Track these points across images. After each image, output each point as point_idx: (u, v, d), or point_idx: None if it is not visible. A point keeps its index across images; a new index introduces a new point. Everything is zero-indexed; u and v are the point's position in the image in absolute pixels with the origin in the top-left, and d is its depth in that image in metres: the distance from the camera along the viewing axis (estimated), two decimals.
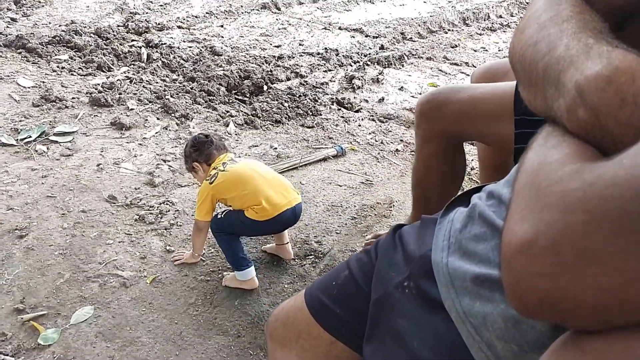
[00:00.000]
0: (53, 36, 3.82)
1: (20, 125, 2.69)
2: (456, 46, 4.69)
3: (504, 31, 5.27)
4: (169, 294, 1.77)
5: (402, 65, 4.17)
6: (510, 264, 0.44)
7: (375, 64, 4.09)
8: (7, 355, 1.49)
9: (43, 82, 3.17)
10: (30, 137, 2.57)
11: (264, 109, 3.17)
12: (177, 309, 1.71)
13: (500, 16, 5.70)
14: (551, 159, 0.46)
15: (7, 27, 4.00)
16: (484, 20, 5.51)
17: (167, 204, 2.20)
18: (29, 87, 3.09)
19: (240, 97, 3.36)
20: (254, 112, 3.14)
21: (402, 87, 3.72)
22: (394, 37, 4.71)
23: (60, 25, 4.10)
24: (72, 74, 3.34)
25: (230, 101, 3.26)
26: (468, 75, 4.08)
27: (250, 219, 1.70)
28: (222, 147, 1.86)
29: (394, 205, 2.36)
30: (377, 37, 4.71)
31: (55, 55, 3.57)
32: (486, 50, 4.67)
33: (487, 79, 1.65)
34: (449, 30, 5.16)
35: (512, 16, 5.73)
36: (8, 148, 2.49)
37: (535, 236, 0.42)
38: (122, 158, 2.50)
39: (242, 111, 3.15)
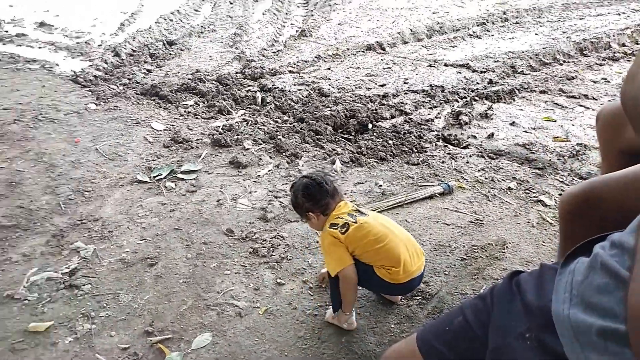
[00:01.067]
0: (181, 84, 4.28)
1: (153, 164, 3.02)
2: (573, 78, 4.41)
3: (628, 60, 4.87)
4: (279, 325, 1.84)
5: (513, 100, 4.02)
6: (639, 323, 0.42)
7: (484, 99, 3.99)
8: None
9: (172, 125, 3.55)
10: (161, 174, 2.88)
11: (369, 146, 3.23)
12: (287, 341, 1.77)
13: (624, 44, 5.28)
14: None
15: (144, 77, 4.57)
16: (604, 50, 5.14)
17: (278, 238, 2.31)
18: (160, 130, 3.47)
19: (346, 136, 3.46)
20: (359, 150, 3.21)
21: (513, 122, 3.58)
22: (503, 71, 4.57)
23: (187, 74, 4.59)
24: (196, 118, 3.70)
25: (337, 140, 3.38)
26: (588, 108, 3.81)
27: (380, 278, 1.67)
28: (335, 193, 1.74)
29: (507, 246, 2.25)
30: (485, 72, 4.61)
31: (183, 101, 3.99)
32: (608, 82, 4.34)
33: (615, 125, 1.55)
34: (564, 61, 4.88)
35: (637, 44, 5.28)
36: (143, 185, 2.81)
37: None
38: (239, 194, 2.69)
39: (347, 149, 3.24)
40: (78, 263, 2.16)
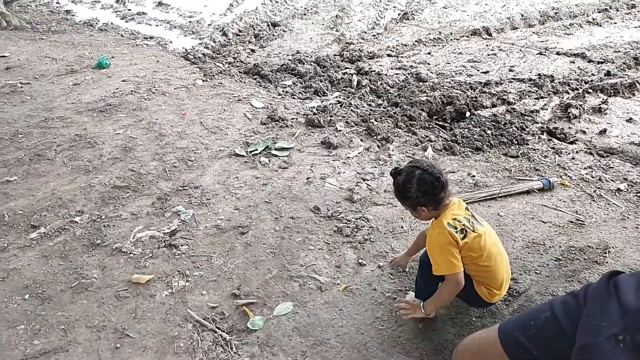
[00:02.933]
0: (281, 65, 4.42)
1: (250, 139, 3.16)
2: None
3: None
4: (357, 304, 1.86)
5: (633, 94, 3.64)
6: None
7: (599, 92, 3.65)
8: (224, 332, 1.77)
9: (270, 104, 3.68)
10: (256, 150, 3.01)
11: (464, 135, 3.11)
12: (365, 320, 1.79)
13: None
14: None
15: (248, 57, 4.77)
16: None
17: (362, 220, 2.33)
18: (259, 108, 3.62)
19: (440, 123, 3.36)
20: (453, 138, 3.11)
21: (630, 119, 3.25)
22: (624, 63, 4.15)
23: (287, 55, 4.72)
24: (293, 98, 3.81)
25: (431, 126, 3.29)
26: None
27: (477, 294, 1.64)
28: (447, 186, 1.63)
29: (609, 251, 2.07)
30: (602, 63, 4.21)
31: (282, 81, 4.12)
32: None
33: None
34: None
35: None
36: (240, 158, 2.96)
37: None
38: (328, 174, 2.74)
39: (441, 137, 3.15)
40: (178, 225, 2.35)
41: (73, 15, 6.46)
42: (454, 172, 2.73)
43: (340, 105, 3.62)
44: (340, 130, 3.22)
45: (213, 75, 4.24)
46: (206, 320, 1.81)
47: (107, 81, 4.17)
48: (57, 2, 7.21)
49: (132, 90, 3.93)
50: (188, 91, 3.94)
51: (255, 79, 4.20)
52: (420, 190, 1.58)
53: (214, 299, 1.92)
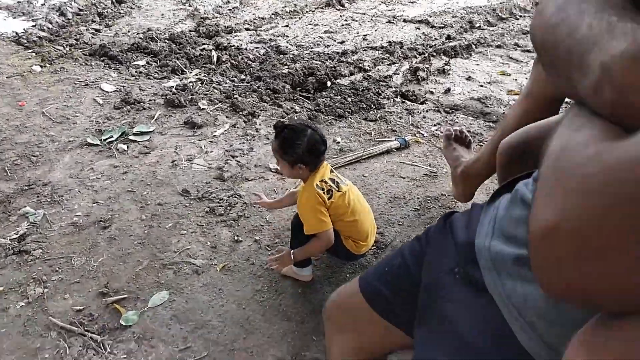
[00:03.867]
0: (132, 44, 4.10)
1: (103, 126, 2.91)
2: (528, 32, 4.46)
3: None
4: (237, 281, 1.85)
5: (470, 55, 4.04)
6: (536, 250, 0.44)
7: (442, 54, 4.00)
8: (94, 333, 1.64)
9: (123, 86, 3.41)
10: (112, 137, 2.79)
11: (327, 104, 3.21)
12: (245, 295, 1.79)
13: None
14: (574, 142, 0.45)
15: (92, 37, 4.35)
16: None
17: (235, 197, 2.30)
18: (111, 92, 3.34)
19: (304, 94, 3.42)
20: (317, 107, 3.19)
21: (469, 77, 3.61)
22: (461, 27, 4.58)
23: (138, 34, 4.39)
24: (148, 78, 3.57)
25: (295, 98, 3.33)
26: None
27: (345, 248, 1.75)
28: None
29: None
30: (443, 28, 4.60)
31: (134, 61, 3.83)
32: None
33: (516, 157, 1.45)
34: (520, 16, 4.93)
35: None
36: (93, 148, 2.71)
37: (557, 222, 0.41)
38: (195, 155, 2.64)
39: (306, 107, 3.21)
40: (27, 228, 2.10)
41: None
42: None
43: (202, 83, 3.49)
44: (203, 109, 3.11)
45: (53, 60, 3.79)
46: (72, 325, 1.66)
47: None
48: None
49: None
50: (24, 79, 3.49)
51: (103, 60, 3.85)
52: (309, 148, 1.61)
53: (80, 301, 1.77)
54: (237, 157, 2.64)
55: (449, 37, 4.33)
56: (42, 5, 5.18)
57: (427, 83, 3.53)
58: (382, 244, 2.02)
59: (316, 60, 3.84)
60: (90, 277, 1.87)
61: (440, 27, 4.61)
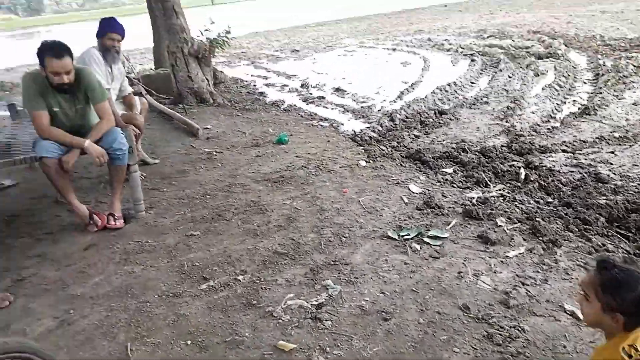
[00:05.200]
0: (444, 152, 4.44)
1: (403, 223, 3.19)
2: None
3: None
4: None
5: None
6: None
7: None
8: None
9: (428, 190, 3.70)
10: (409, 235, 3.02)
11: None
12: None
13: None
14: None
15: (411, 142, 4.91)
16: None
17: (518, 330, 2.13)
18: (416, 193, 3.66)
19: (623, 231, 2.98)
20: (637, 251, 2.72)
21: None
22: None
23: (451, 143, 4.73)
24: (452, 186, 3.77)
25: (610, 234, 2.93)
26: None
27: None
28: None
29: None
30: None
31: (442, 168, 4.12)
32: None
33: None
34: None
35: None
36: (391, 241, 2.99)
37: None
38: (482, 271, 2.60)
39: (622, 247, 2.78)
40: (325, 299, 2.44)
41: (265, 97, 7.48)
42: None
43: (503, 199, 3.46)
44: (500, 226, 3.06)
45: (376, 158, 4.44)
46: None
47: (283, 156, 4.67)
48: (254, 85, 8.45)
49: (302, 166, 4.32)
50: (351, 170, 4.19)
51: (415, 164, 4.28)
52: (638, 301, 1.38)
53: None
54: (527, 285, 2.46)
55: None
56: (378, 111, 6.21)
57: None
58: None
59: None
60: None
61: None
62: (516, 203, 3.37)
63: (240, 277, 2.67)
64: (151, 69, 7.79)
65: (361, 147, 4.80)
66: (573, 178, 3.73)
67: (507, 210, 3.27)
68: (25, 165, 3.56)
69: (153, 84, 6.39)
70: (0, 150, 3.28)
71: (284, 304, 2.42)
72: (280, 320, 2.30)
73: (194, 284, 2.66)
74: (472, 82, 7.35)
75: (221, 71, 8.79)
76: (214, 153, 4.88)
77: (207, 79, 7.27)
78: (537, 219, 3.07)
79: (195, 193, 3.90)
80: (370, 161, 4.38)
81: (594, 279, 1.47)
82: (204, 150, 5.00)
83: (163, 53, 7.13)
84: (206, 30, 7.28)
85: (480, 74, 7.88)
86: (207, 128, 5.79)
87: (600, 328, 1.52)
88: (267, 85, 8.46)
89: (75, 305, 2.55)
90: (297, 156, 4.62)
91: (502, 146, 4.51)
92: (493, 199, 3.45)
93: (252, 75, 9.49)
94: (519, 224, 3.08)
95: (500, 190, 3.63)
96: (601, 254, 1.44)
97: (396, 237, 3.02)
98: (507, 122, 5.27)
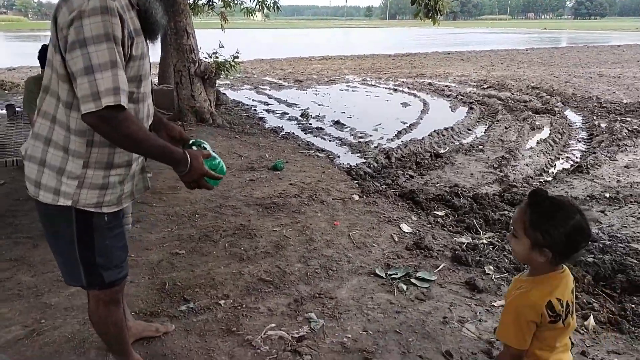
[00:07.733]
0: (437, 194, 4.46)
1: (392, 262, 3.16)
2: None
3: None
4: None
5: None
6: None
7: None
8: None
9: (419, 230, 3.68)
10: (396, 274, 2.99)
11: (637, 312, 2.68)
12: None
13: None
14: None
15: (405, 181, 4.93)
16: None
17: None
18: (407, 233, 3.64)
19: (608, 291, 2.97)
20: (622, 312, 2.70)
21: None
22: None
23: (445, 186, 4.76)
24: (443, 229, 3.76)
25: (595, 292, 2.93)
26: None
27: None
28: None
29: None
30: None
31: (434, 210, 4.13)
32: None
33: None
34: None
35: None
36: (378, 279, 2.96)
37: None
38: (467, 318, 2.57)
39: (607, 307, 2.76)
40: (307, 332, 2.38)
41: (264, 122, 7.53)
42: (619, 354, 2.34)
43: (493, 247, 3.46)
44: (488, 274, 3.04)
45: (369, 193, 4.44)
46: None
47: (277, 182, 4.66)
48: (255, 110, 8.52)
49: (295, 194, 4.30)
50: (344, 203, 4.18)
51: (408, 203, 4.29)
52: (568, 234, 1.31)
53: None
54: None
55: None
56: (374, 147, 6.26)
57: None
58: None
59: (632, 258, 3.32)
60: None
61: None
62: (505, 252, 3.37)
63: (221, 302, 2.62)
64: (154, 84, 7.85)
65: (355, 182, 4.80)
66: None
67: (495, 259, 3.26)
68: (15, 167, 3.52)
69: (154, 98, 6.41)
70: None
71: (264, 334, 2.36)
72: (258, 351, 2.24)
73: (173, 304, 2.59)
74: (469, 129, 7.47)
75: (224, 93, 8.87)
76: None
77: (209, 99, 7.33)
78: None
79: (184, 211, 3.86)
80: (364, 196, 4.38)
81: (523, 214, 1.37)
82: None
83: (169, 70, 7.20)
84: (214, 53, 7.38)
85: (478, 122, 8.01)
86: None
87: (529, 264, 1.43)
88: (267, 111, 8.53)
89: (48, 315, 2.47)
90: (291, 184, 4.61)
91: (494, 194, 4.54)
92: (483, 246, 3.44)
93: (253, 100, 9.59)
94: (507, 274, 3.06)
95: (490, 238, 3.63)
96: (535, 188, 1.36)
97: (384, 276, 2.98)
98: (501, 171, 5.32)
